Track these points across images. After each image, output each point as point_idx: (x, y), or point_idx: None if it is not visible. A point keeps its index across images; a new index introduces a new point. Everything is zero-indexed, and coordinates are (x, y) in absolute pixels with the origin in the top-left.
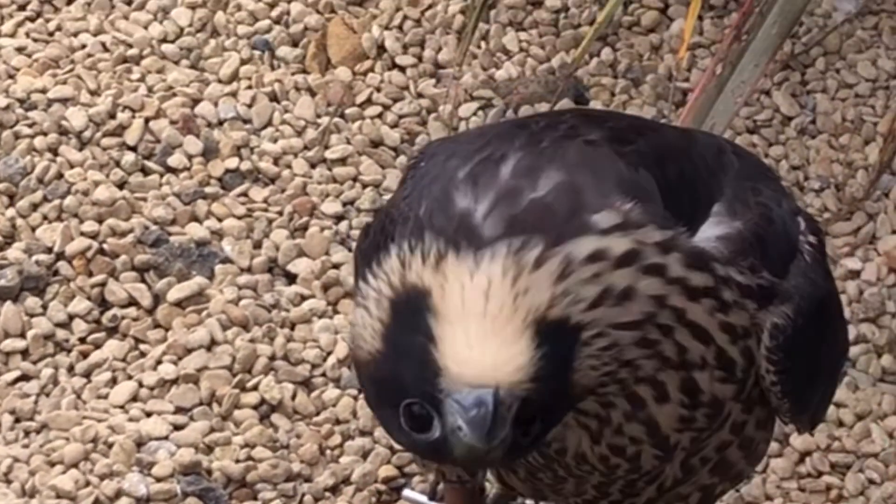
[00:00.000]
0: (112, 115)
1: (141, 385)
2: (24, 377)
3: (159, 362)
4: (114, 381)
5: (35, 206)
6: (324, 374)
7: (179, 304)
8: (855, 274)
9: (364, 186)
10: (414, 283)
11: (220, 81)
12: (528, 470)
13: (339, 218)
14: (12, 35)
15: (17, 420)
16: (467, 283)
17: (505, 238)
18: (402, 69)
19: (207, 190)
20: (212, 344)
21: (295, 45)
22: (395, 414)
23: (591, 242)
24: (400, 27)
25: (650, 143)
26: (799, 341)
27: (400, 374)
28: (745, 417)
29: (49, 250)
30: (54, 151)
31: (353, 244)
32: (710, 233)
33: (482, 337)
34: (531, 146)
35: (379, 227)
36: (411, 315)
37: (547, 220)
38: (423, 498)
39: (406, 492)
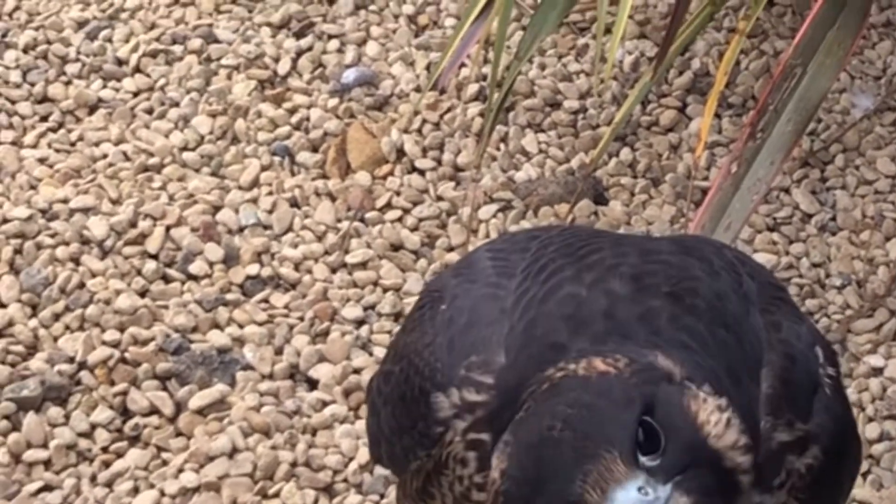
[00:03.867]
0: (133, 224)
1: (163, 494)
2: (47, 487)
3: (181, 470)
4: (136, 491)
5: (57, 316)
6: (345, 480)
7: (201, 411)
8: (878, 371)
9: (385, 290)
10: None
11: (240, 188)
12: None
13: (359, 322)
14: (34, 146)
15: None
16: None
17: None
18: (422, 172)
19: (228, 297)
20: (233, 451)
21: (315, 150)
22: None
23: None
24: (419, 131)
25: (701, 293)
26: (824, 477)
27: None
28: None
29: (71, 360)
30: (76, 261)
31: (375, 349)
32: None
33: None
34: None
35: (402, 378)
36: None
37: None
38: None
39: None
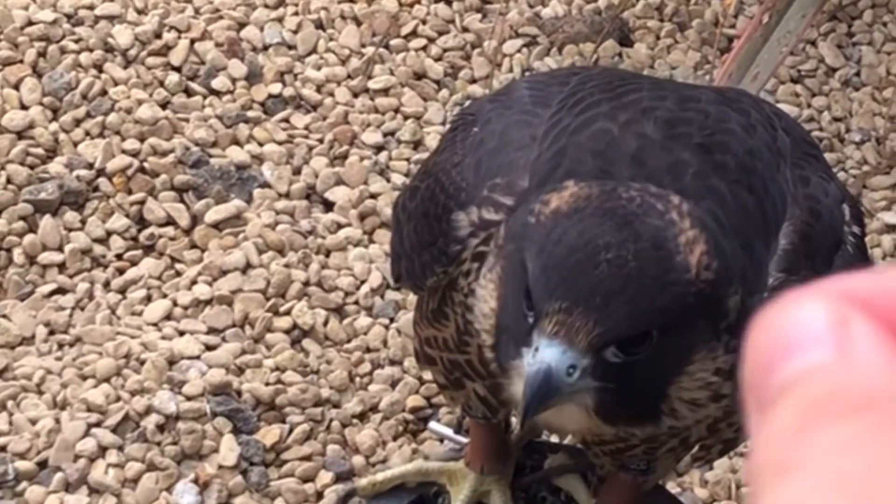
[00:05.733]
0: (158, 35)
1: (175, 304)
2: (60, 290)
3: (194, 282)
4: (148, 299)
5: (78, 122)
6: (356, 303)
7: (216, 225)
8: (891, 228)
9: (405, 118)
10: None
11: (266, 6)
12: None
13: (378, 148)
14: None
15: (52, 332)
16: None
17: None
18: (449, 2)
19: (249, 114)
20: (247, 267)
21: None
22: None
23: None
24: None
25: (732, 149)
26: None
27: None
28: None
29: (90, 166)
30: (99, 68)
31: (392, 175)
32: (774, 260)
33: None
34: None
35: (428, 194)
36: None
37: None
38: (449, 431)
39: (432, 424)
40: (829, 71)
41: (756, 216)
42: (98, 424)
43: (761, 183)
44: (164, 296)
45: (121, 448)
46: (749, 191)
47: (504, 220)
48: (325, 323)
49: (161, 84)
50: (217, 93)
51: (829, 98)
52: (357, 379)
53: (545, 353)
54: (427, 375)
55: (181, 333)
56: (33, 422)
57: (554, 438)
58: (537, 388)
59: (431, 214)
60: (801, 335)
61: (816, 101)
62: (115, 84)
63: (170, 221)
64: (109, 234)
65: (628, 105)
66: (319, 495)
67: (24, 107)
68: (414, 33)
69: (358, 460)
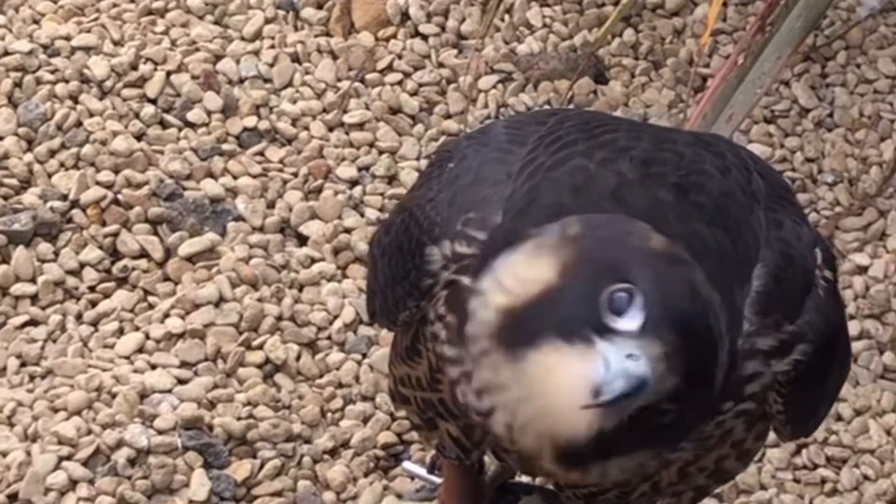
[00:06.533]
0: (134, 67)
1: (147, 337)
2: (32, 322)
3: (167, 315)
4: (121, 332)
5: (53, 153)
6: (329, 338)
7: (190, 258)
8: (863, 269)
9: (380, 153)
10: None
11: (243, 39)
12: None
13: (353, 183)
14: None
15: (23, 364)
16: None
17: None
18: (425, 38)
19: (224, 147)
20: (220, 301)
21: (320, 7)
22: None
23: None
24: None
25: (707, 190)
26: (808, 376)
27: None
28: (745, 435)
29: (64, 197)
30: (75, 99)
31: (366, 210)
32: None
33: None
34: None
35: (402, 228)
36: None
37: None
38: (422, 471)
39: (406, 464)
40: (802, 111)
41: (731, 258)
42: (69, 458)
43: (735, 224)
44: (137, 329)
45: (91, 482)
46: (725, 231)
47: (477, 255)
48: (298, 358)
49: (136, 116)
50: (192, 125)
51: (802, 139)
52: (329, 414)
53: (644, 368)
54: (400, 412)
55: (153, 367)
56: (4, 454)
57: (525, 478)
58: (630, 389)
59: (405, 248)
60: None
61: (789, 141)
62: (91, 115)
63: (143, 254)
64: (83, 265)
65: (604, 144)
66: None
67: None
68: (390, 68)
69: (329, 496)
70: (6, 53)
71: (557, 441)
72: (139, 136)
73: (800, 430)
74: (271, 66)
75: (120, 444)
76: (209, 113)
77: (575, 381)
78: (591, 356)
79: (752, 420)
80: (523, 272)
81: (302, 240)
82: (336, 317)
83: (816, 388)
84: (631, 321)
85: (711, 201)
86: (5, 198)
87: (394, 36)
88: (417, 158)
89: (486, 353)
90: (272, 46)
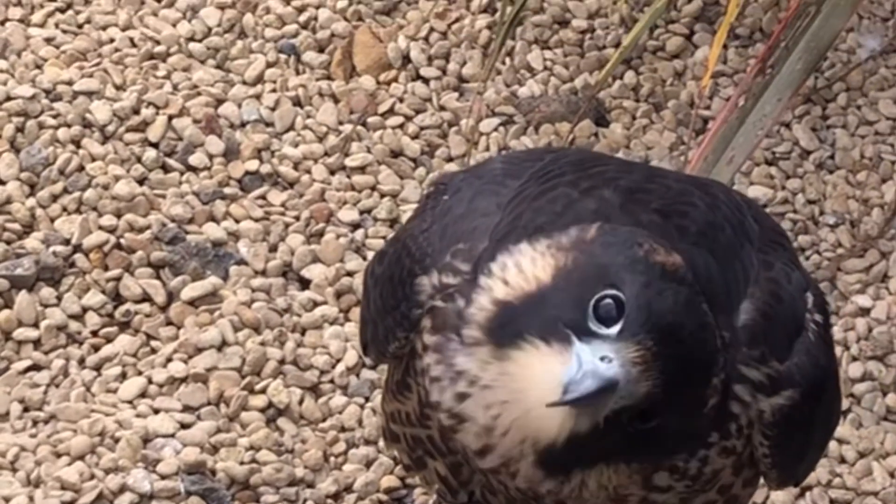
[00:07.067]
0: (136, 111)
1: (150, 381)
2: (35, 367)
3: (170, 360)
4: (123, 376)
5: (55, 198)
6: (332, 381)
7: (193, 302)
8: (865, 311)
9: (382, 196)
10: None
11: (244, 83)
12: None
13: (355, 226)
14: (42, 25)
15: (26, 409)
16: None
17: None
18: (426, 81)
19: (226, 191)
20: (223, 344)
21: (321, 50)
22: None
23: None
24: (426, 39)
25: (694, 219)
26: (796, 419)
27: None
28: (733, 480)
29: (67, 242)
30: (77, 144)
31: (368, 253)
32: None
33: None
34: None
35: (395, 258)
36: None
37: None
38: None
39: None
40: (803, 153)
41: (719, 283)
42: (72, 503)
43: (723, 253)
44: (140, 373)
45: None
46: (712, 254)
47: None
48: (301, 402)
49: (138, 160)
50: (194, 169)
51: (803, 180)
52: (332, 458)
53: (616, 370)
54: (392, 451)
55: (156, 411)
56: (7, 499)
57: None
58: (596, 389)
59: (396, 278)
60: None
61: (791, 183)
62: (93, 160)
63: (146, 298)
64: (85, 310)
65: (592, 176)
66: None
67: (1, 182)
68: (391, 111)
69: None
70: (8, 98)
71: (535, 442)
72: (141, 181)
73: (787, 475)
74: (273, 109)
75: (123, 489)
76: (211, 157)
77: (548, 379)
78: (566, 356)
79: (740, 465)
80: (526, 267)
81: (304, 283)
82: (339, 360)
83: (804, 431)
84: (614, 327)
85: (696, 227)
86: (8, 242)
87: (395, 79)
88: (419, 201)
89: (477, 344)
90: (274, 90)
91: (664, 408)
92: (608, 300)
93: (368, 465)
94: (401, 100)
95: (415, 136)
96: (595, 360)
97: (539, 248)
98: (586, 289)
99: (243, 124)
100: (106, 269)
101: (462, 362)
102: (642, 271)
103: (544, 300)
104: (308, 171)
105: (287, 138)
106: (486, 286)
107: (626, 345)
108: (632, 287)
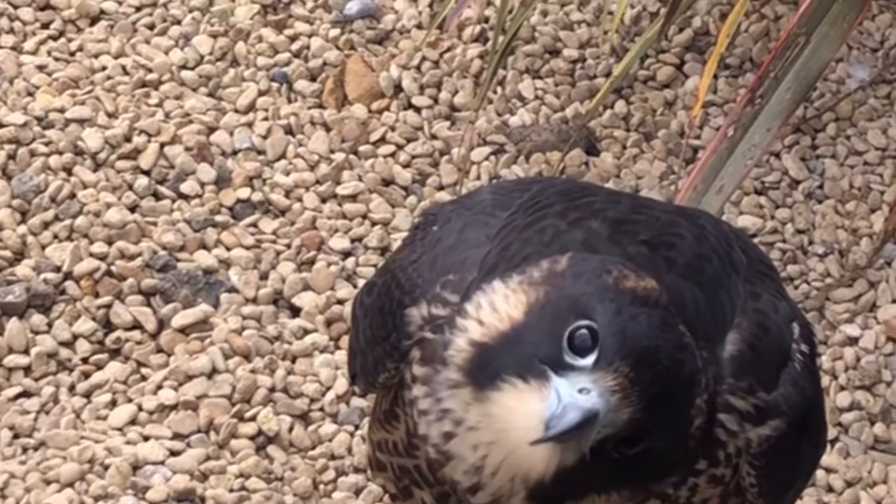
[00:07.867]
0: (128, 139)
1: (140, 409)
2: (25, 394)
3: (160, 387)
4: (114, 404)
5: (46, 225)
6: (322, 409)
7: (183, 330)
8: (853, 341)
9: (373, 224)
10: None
11: (236, 111)
12: None
13: (346, 254)
14: (34, 52)
15: (16, 436)
16: None
17: None
18: (418, 110)
19: (218, 218)
20: (213, 372)
21: (313, 79)
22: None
23: None
24: (418, 68)
25: (682, 251)
26: (782, 450)
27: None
28: None
29: (57, 269)
30: (68, 171)
31: (359, 281)
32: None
33: None
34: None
35: (384, 289)
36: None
37: None
38: None
39: None
40: (792, 183)
41: (706, 315)
42: None
43: (710, 285)
44: (130, 400)
45: None
46: (699, 286)
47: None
48: (291, 429)
49: (130, 187)
50: (186, 197)
51: (792, 210)
52: (321, 486)
53: (595, 400)
54: (378, 481)
55: (146, 438)
56: None
57: None
58: (578, 422)
59: (386, 309)
60: None
61: (780, 212)
62: (84, 187)
63: (136, 325)
64: (76, 337)
65: (580, 206)
66: None
67: None
68: (383, 140)
69: None
70: (0, 126)
71: (525, 479)
72: (133, 208)
73: None
74: (265, 137)
75: None
76: (203, 184)
77: (529, 417)
78: (544, 392)
79: (727, 493)
80: (500, 306)
81: (295, 311)
82: (329, 388)
83: (790, 461)
84: (589, 357)
85: (683, 259)
86: None
87: (387, 108)
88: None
89: (457, 386)
90: (265, 118)
91: (649, 432)
92: (582, 331)
93: (358, 493)
94: (392, 128)
95: (406, 165)
96: (573, 392)
97: (511, 286)
98: (559, 322)
99: (235, 152)
100: (97, 296)
101: (447, 400)
102: (612, 298)
103: (519, 338)
104: (299, 199)
105: (279, 166)
106: (462, 327)
107: (604, 374)
108: (603, 315)
